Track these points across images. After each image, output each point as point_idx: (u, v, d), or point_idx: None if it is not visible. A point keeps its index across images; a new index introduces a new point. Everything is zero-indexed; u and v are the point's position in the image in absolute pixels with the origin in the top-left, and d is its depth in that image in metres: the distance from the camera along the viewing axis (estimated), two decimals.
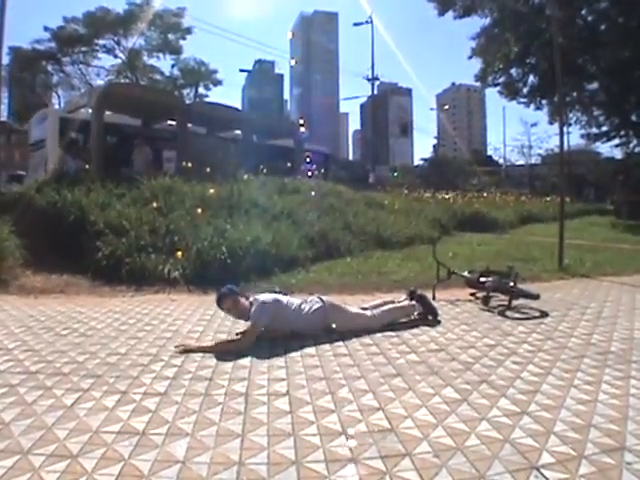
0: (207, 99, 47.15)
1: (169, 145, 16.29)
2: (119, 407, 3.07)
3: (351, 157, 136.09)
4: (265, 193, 11.53)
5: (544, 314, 5.63)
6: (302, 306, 4.72)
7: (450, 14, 28.56)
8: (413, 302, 5.37)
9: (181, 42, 48.10)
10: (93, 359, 3.99)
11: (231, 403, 3.13)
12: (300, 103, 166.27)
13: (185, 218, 9.11)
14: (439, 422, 2.85)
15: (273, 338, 4.43)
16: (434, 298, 6.23)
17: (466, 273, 6.71)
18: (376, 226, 11.82)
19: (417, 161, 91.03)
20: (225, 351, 4.15)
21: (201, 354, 4.09)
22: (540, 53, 25.05)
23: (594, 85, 27.53)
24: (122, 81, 42.94)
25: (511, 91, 29.82)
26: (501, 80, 29.75)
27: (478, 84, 35.33)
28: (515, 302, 5.93)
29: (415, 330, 4.96)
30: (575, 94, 28.04)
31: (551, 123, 35.03)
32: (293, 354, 4.12)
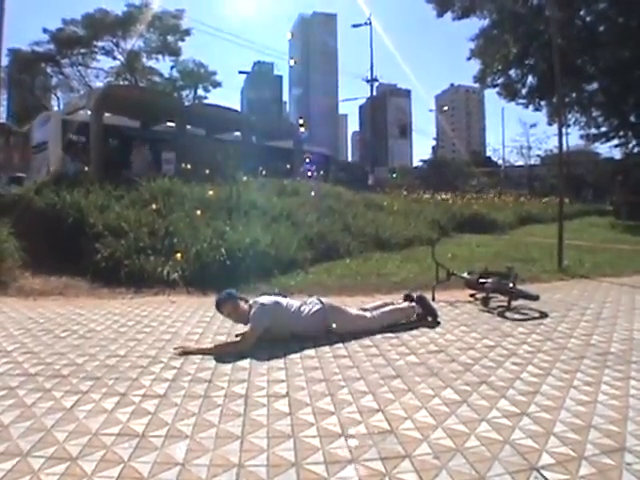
0: (206, 101, 47.20)
1: (168, 147, 16.30)
2: (118, 409, 3.06)
3: (350, 158, 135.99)
4: (264, 195, 11.53)
5: (543, 315, 5.63)
6: (302, 308, 4.71)
7: (449, 15, 28.62)
8: (413, 303, 5.37)
9: (180, 44, 48.16)
10: (92, 361, 3.98)
11: (231, 405, 3.13)
12: (299, 105, 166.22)
13: (184, 220, 9.12)
14: (439, 423, 2.85)
15: (273, 340, 4.42)
16: (433, 299, 6.24)
17: (465, 274, 6.71)
18: (375, 227, 11.83)
19: (416, 162, 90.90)
20: (224, 353, 4.14)
21: (200, 356, 4.08)
22: (539, 54, 25.09)
23: (593, 86, 27.58)
24: (121, 83, 43.03)
25: (510, 92, 29.86)
26: (500, 81, 29.82)
27: (477, 85, 35.38)
28: (514, 303, 5.94)
29: (415, 331, 4.96)
30: (574, 95, 28.07)
31: (550, 124, 35.05)
32: (293, 356, 4.12)
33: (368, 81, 44.44)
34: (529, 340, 4.63)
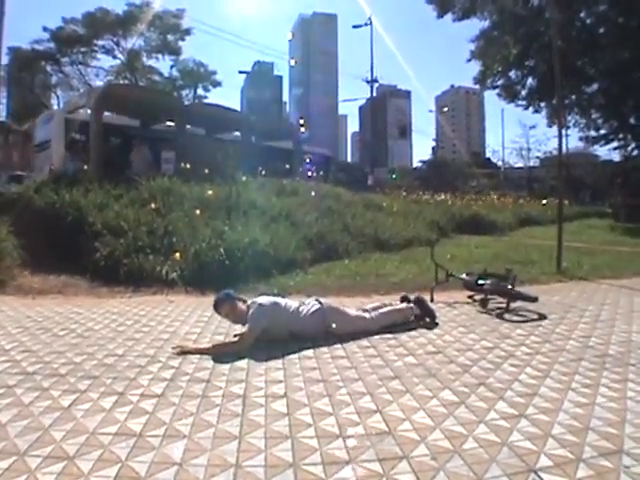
0: (206, 100, 47.22)
1: (168, 146, 16.30)
2: (116, 408, 3.06)
3: (350, 159, 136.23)
4: (263, 195, 11.53)
5: (542, 317, 5.62)
6: (300, 308, 4.71)
7: (449, 16, 28.63)
8: (411, 305, 5.37)
9: (180, 43, 48.29)
10: (90, 360, 3.98)
11: (228, 405, 3.12)
12: (299, 105, 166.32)
13: (183, 219, 9.12)
14: (437, 425, 2.85)
15: (271, 340, 4.42)
16: (432, 300, 6.24)
17: (464, 275, 6.71)
18: (374, 228, 11.83)
19: (416, 163, 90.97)
20: (223, 353, 4.14)
21: (198, 356, 4.08)
22: (539, 56, 25.10)
23: (593, 88, 27.58)
24: (121, 82, 43.02)
25: (510, 94, 29.87)
26: (500, 82, 29.82)
27: (477, 86, 35.43)
28: (513, 305, 5.94)
29: (413, 332, 4.95)
30: (574, 97, 28.08)
31: (550, 126, 35.00)
32: (291, 356, 4.11)
33: (368, 82, 44.45)
34: (527, 342, 4.63)
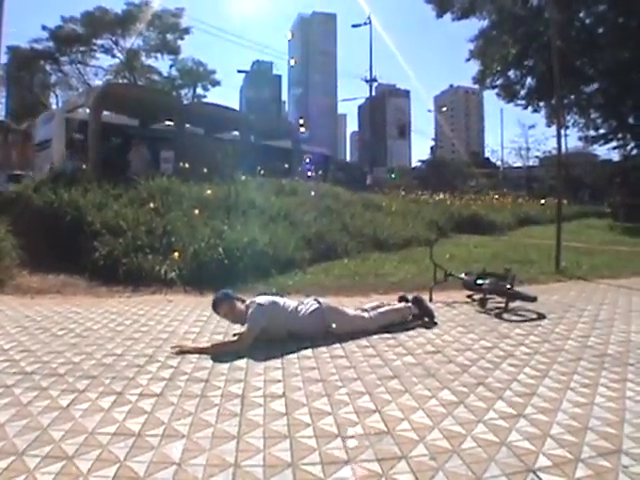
0: (205, 100, 47.22)
1: (167, 145, 16.29)
2: (115, 408, 3.05)
3: (349, 159, 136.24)
4: (262, 194, 11.52)
5: (541, 316, 5.62)
6: (299, 308, 4.71)
7: (448, 16, 28.64)
8: (409, 304, 5.37)
9: (179, 42, 48.37)
10: (89, 360, 3.98)
11: (227, 405, 3.12)
12: (298, 104, 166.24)
13: (182, 219, 9.11)
14: (435, 424, 2.85)
15: (270, 340, 4.42)
16: (431, 300, 6.24)
17: (463, 275, 6.71)
18: (373, 228, 11.83)
19: (415, 163, 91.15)
20: (221, 352, 4.14)
21: (197, 355, 4.08)
22: (538, 55, 25.12)
23: (592, 87, 27.60)
24: (120, 81, 43.07)
25: (509, 93, 29.89)
26: (499, 82, 29.84)
27: (476, 86, 35.44)
28: (512, 304, 5.94)
29: (412, 332, 4.95)
30: (573, 96, 28.12)
31: (549, 125, 35.08)
32: (290, 356, 4.11)
33: (367, 81, 44.44)
34: (526, 342, 4.63)
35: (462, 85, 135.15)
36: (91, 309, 5.92)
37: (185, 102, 32.10)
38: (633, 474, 2.33)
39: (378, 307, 5.18)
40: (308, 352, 4.23)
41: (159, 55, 48.22)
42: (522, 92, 29.48)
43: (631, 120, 27.67)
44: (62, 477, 2.30)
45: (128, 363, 3.91)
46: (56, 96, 48.57)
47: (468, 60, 29.79)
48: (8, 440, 2.62)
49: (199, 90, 51.10)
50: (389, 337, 4.74)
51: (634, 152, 29.61)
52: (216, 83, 51.65)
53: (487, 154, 78.90)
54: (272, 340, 4.42)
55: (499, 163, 67.35)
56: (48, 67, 46.94)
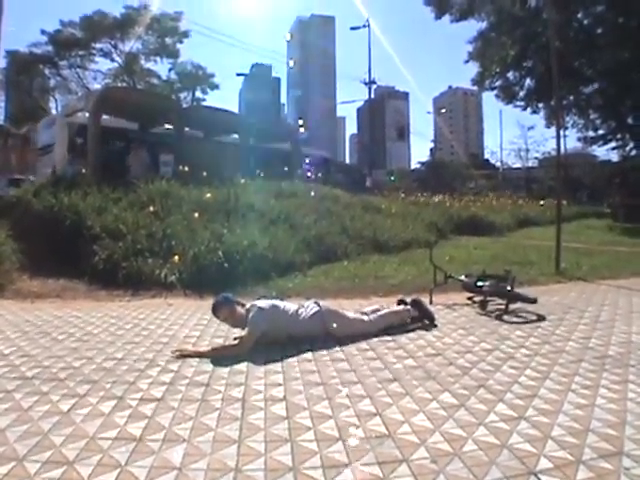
0: (204, 103, 47.31)
1: (166, 149, 16.30)
2: (115, 413, 3.05)
3: (348, 161, 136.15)
4: (262, 197, 11.53)
5: (541, 318, 5.62)
6: (299, 311, 4.70)
7: (447, 17, 28.70)
8: (408, 307, 5.37)
9: (178, 46, 48.36)
10: (89, 364, 3.97)
11: (228, 409, 3.12)
12: (297, 107, 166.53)
13: (182, 222, 9.12)
14: (436, 427, 2.84)
15: (270, 343, 4.41)
16: (431, 302, 6.24)
17: (463, 277, 6.71)
18: (373, 230, 11.82)
19: (414, 165, 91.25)
20: (222, 356, 4.13)
21: (198, 359, 4.07)
22: (537, 56, 25.17)
23: (590, 88, 27.64)
24: (119, 85, 43.07)
25: (508, 95, 29.93)
26: (498, 84, 29.91)
27: (475, 88, 35.46)
28: (512, 306, 5.94)
29: (412, 334, 4.95)
30: (572, 97, 28.18)
31: (548, 126, 35.15)
32: (290, 359, 4.10)
33: (366, 83, 44.37)
34: (527, 343, 4.63)
35: (461, 87, 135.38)
36: (91, 313, 5.91)
37: (184, 105, 32.17)
38: (635, 476, 2.33)
39: (377, 310, 5.18)
40: (308, 355, 4.22)
41: (158, 59, 48.27)
42: (521, 93, 29.56)
43: (630, 120, 27.71)
44: None
45: (129, 367, 3.90)
46: (55, 100, 48.72)
47: (467, 62, 29.92)
48: (9, 445, 2.61)
49: (198, 93, 51.14)
50: (389, 340, 4.73)
51: (633, 152, 29.69)
52: (215, 86, 51.67)
53: (486, 155, 78.93)
54: (272, 343, 4.41)
55: (498, 164, 67.37)
56: (47, 71, 46.98)
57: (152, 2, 45.27)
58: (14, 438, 2.69)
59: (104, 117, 15.72)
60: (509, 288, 5.97)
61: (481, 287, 6.22)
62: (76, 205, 9.51)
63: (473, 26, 28.66)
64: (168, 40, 47.30)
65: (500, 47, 27.04)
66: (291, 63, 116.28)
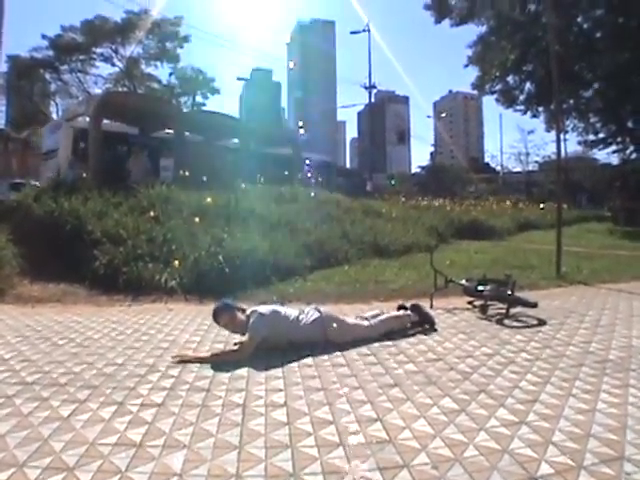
0: (204, 107, 47.38)
1: (166, 153, 16.31)
2: (116, 418, 3.04)
3: (348, 165, 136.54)
4: (263, 202, 11.53)
5: (542, 322, 5.62)
6: (300, 317, 4.69)
7: (447, 22, 28.77)
8: (408, 312, 5.36)
9: (179, 50, 48.50)
10: (90, 370, 3.96)
11: (228, 414, 3.11)
12: (298, 111, 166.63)
13: (182, 227, 9.11)
14: (437, 433, 2.84)
15: (270, 349, 4.41)
16: (432, 306, 6.24)
17: (464, 281, 6.70)
18: (373, 234, 11.81)
19: (414, 169, 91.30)
20: (222, 361, 4.13)
21: (198, 365, 4.06)
22: (537, 60, 25.21)
23: (590, 92, 27.66)
24: (120, 89, 43.18)
25: (508, 99, 29.98)
26: (498, 88, 29.95)
27: (475, 92, 35.56)
28: (513, 310, 5.93)
29: (412, 339, 4.95)
30: (572, 101, 28.21)
31: (548, 130, 35.23)
32: (291, 365, 4.10)
33: (366, 88, 44.49)
34: (528, 348, 4.62)
35: (461, 91, 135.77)
36: (92, 318, 5.91)
37: (185, 110, 32.21)
38: None
39: (377, 315, 5.17)
40: (309, 360, 4.21)
41: (158, 63, 48.49)
42: (521, 97, 29.61)
43: (630, 124, 27.74)
44: None
45: (129, 373, 3.90)
46: (56, 105, 48.86)
47: (467, 66, 29.97)
48: (9, 451, 2.61)
49: (199, 98, 51.29)
50: (390, 345, 4.73)
51: (633, 156, 29.70)
52: (215, 91, 51.83)
53: (487, 159, 79.03)
54: (273, 349, 4.41)
55: (499, 168, 67.43)
56: (48, 76, 47.14)
57: (153, 7, 45.48)
58: (14, 444, 2.69)
59: (105, 121, 15.73)
60: (510, 292, 5.96)
61: (482, 291, 6.22)
62: (77, 210, 9.51)
63: (473, 30, 28.81)
64: (168, 45, 47.48)
65: (500, 51, 27.10)
66: (291, 65, 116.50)
